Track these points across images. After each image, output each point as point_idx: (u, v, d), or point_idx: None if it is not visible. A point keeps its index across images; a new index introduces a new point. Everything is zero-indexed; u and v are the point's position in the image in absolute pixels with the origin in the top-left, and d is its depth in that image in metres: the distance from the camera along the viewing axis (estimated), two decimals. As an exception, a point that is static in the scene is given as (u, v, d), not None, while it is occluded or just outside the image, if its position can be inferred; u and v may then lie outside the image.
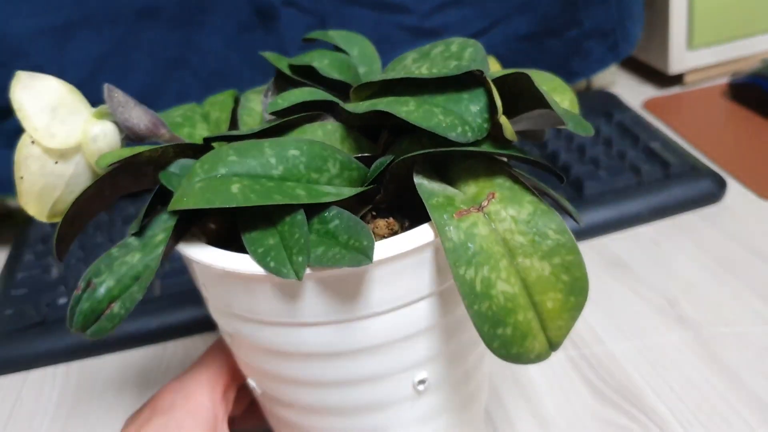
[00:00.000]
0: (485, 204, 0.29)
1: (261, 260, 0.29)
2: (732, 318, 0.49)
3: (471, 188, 0.30)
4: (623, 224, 0.59)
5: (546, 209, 0.29)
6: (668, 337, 0.48)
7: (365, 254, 0.27)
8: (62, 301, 0.58)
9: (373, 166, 0.32)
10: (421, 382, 0.34)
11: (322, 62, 0.38)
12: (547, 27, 0.71)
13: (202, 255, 0.31)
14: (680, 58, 0.79)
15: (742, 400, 0.43)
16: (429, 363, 0.34)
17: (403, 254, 0.29)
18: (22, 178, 0.31)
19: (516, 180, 0.30)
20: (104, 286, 0.30)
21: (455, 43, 0.33)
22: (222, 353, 0.40)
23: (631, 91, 0.82)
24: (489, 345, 0.28)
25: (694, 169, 0.61)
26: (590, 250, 0.58)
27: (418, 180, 0.30)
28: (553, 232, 0.29)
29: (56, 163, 0.32)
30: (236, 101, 0.40)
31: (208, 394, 0.38)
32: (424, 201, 0.29)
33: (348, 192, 0.31)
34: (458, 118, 0.30)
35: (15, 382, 0.54)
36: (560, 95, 0.36)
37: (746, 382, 0.44)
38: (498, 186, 0.30)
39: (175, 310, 0.56)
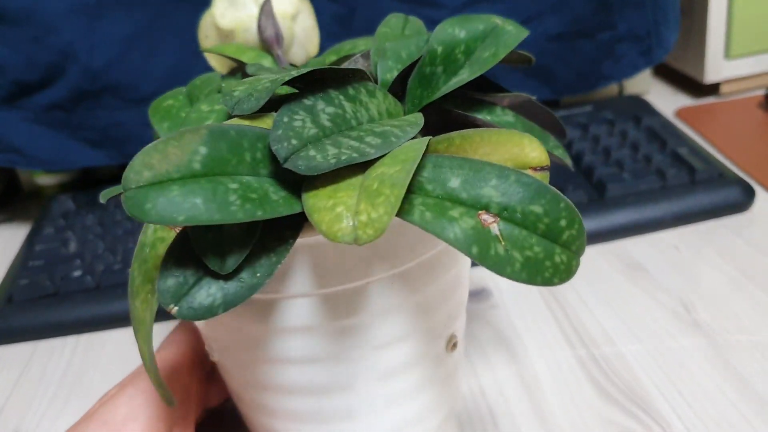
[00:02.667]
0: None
1: None
2: (750, 327, 0.47)
3: None
4: (645, 228, 0.58)
5: None
6: (682, 342, 0.47)
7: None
8: (76, 274, 0.58)
9: None
10: None
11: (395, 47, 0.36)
12: (579, 28, 0.70)
13: None
14: (717, 67, 0.77)
15: (753, 410, 0.41)
16: None
17: None
18: (207, 36, 0.42)
19: None
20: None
21: None
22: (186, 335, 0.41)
23: (665, 100, 0.80)
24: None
25: (722, 177, 0.60)
26: (609, 252, 0.56)
27: None
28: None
29: (226, 37, 0.41)
30: None
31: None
32: None
33: None
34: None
35: (25, 350, 0.55)
36: None
37: (759, 392, 0.42)
38: None
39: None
